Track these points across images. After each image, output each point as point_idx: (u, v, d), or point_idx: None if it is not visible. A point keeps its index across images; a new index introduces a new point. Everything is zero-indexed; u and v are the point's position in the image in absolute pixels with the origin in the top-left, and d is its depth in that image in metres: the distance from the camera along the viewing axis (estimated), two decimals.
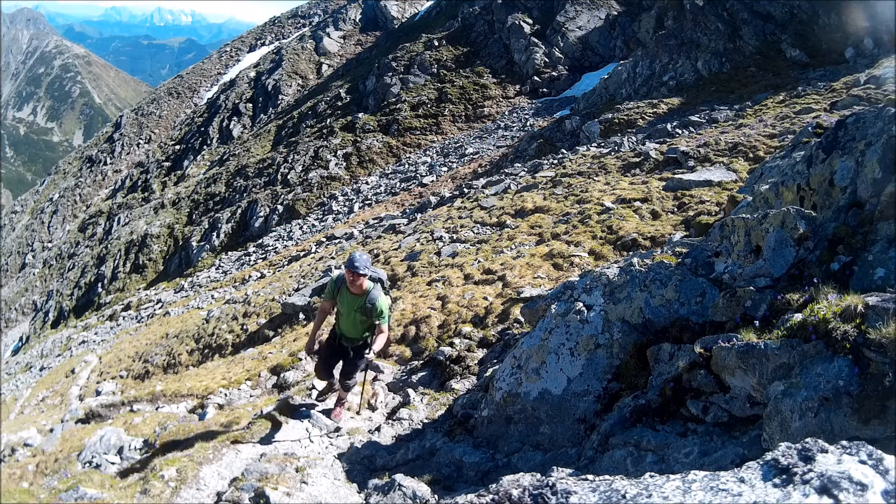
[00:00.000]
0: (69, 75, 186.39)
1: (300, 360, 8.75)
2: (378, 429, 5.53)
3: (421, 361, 7.75)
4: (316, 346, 5.44)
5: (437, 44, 45.23)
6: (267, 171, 42.42)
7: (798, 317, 2.60)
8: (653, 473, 1.72)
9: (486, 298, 9.07)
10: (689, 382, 3.05)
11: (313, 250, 24.14)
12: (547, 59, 39.61)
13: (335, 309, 5.19)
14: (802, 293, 2.90)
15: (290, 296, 15.22)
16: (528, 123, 34.19)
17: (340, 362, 5.47)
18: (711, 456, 2.64)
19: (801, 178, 3.93)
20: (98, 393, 15.01)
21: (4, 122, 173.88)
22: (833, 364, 2.29)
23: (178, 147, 58.15)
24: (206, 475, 4.42)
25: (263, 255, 30.84)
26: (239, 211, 39.79)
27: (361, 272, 4.72)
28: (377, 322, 4.97)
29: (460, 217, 16.87)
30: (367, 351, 4.98)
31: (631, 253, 9.40)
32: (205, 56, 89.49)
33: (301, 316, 13.70)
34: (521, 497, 1.86)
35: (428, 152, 36.73)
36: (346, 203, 34.23)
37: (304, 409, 5.73)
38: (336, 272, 5.32)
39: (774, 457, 1.52)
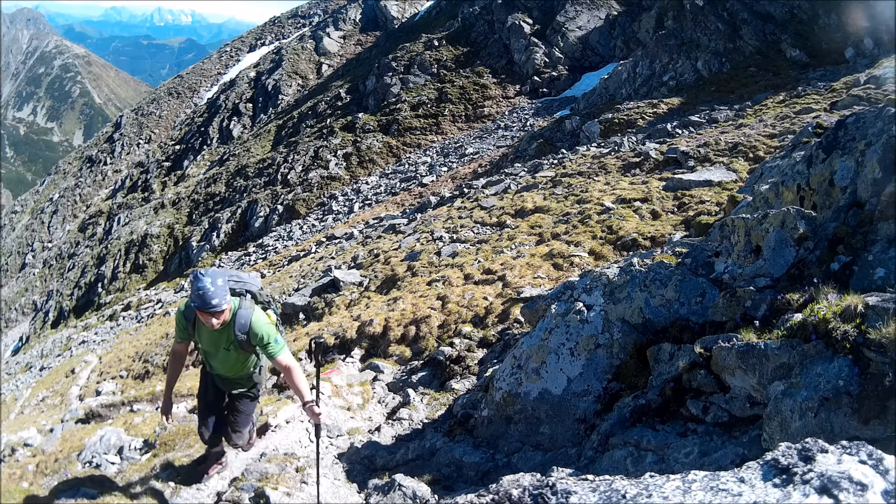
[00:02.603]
0: (69, 75, 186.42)
1: (300, 359, 8.75)
2: (378, 429, 5.53)
3: (421, 361, 7.75)
4: (175, 408, 3.91)
5: (437, 44, 45.23)
6: (267, 171, 42.43)
7: (798, 317, 2.60)
8: (653, 473, 1.72)
9: (486, 298, 9.07)
10: (689, 382, 3.05)
11: (313, 250, 24.14)
12: (547, 59, 39.62)
13: (195, 349, 3.68)
14: (802, 293, 2.90)
15: (290, 296, 15.22)
16: (528, 123, 34.20)
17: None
18: (711, 456, 2.64)
19: (801, 178, 3.93)
20: (98, 393, 15.02)
21: (4, 122, 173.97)
22: (833, 364, 2.28)
23: (178, 147, 58.19)
24: None
25: (263, 255, 30.85)
26: (239, 211, 39.81)
27: (220, 310, 3.14)
28: (271, 357, 3.40)
29: (460, 217, 16.88)
30: (314, 411, 3.32)
31: (631, 253, 9.39)
32: (205, 56, 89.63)
33: (301, 316, 13.70)
34: (521, 497, 1.86)
35: (428, 152, 36.74)
36: (346, 203, 34.25)
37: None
38: (183, 301, 3.55)
39: (774, 457, 1.52)
